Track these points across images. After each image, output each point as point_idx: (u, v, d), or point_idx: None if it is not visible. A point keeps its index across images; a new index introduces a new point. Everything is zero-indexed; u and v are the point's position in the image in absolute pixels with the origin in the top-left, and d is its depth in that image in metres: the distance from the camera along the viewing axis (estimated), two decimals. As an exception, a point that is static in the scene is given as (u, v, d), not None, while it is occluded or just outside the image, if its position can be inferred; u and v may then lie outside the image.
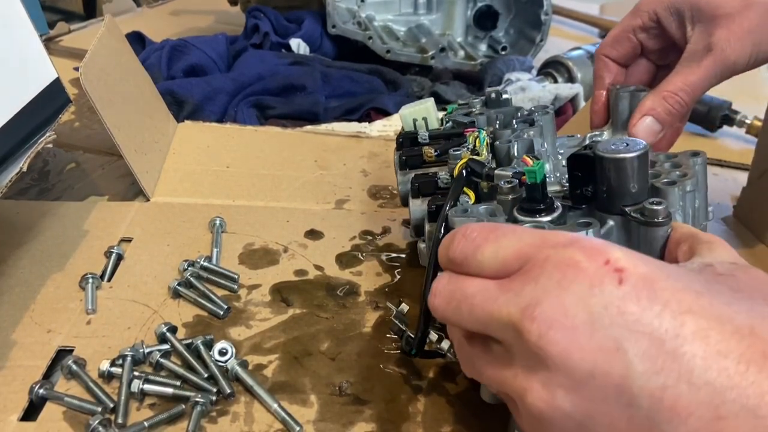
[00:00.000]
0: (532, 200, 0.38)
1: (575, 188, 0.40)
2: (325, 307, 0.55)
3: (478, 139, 0.48)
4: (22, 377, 0.46)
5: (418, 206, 0.50)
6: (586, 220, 0.37)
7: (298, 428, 0.43)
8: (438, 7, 1.13)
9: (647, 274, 0.28)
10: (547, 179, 0.40)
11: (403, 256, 0.62)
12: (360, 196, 0.72)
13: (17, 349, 0.48)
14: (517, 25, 1.14)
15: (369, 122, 0.89)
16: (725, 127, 0.91)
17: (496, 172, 0.42)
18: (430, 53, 1.07)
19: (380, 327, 0.53)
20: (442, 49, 1.08)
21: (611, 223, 0.39)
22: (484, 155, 0.47)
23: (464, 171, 0.45)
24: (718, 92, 0.96)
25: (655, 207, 0.37)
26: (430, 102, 0.59)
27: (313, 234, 0.64)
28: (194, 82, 0.91)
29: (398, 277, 0.59)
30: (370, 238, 0.65)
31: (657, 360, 0.27)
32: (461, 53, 1.12)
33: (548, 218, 0.38)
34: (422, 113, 0.59)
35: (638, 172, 0.38)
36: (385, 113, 0.92)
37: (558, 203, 0.39)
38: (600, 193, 0.39)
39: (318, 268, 0.60)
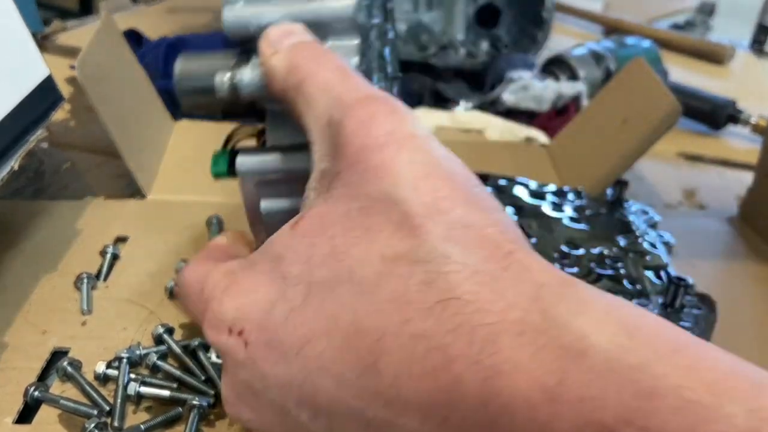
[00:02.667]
0: None
1: None
2: (326, 307, 0.54)
3: None
4: (16, 379, 0.45)
5: None
6: None
7: None
8: (439, 4, 1.12)
9: None
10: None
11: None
12: (360, 194, 0.71)
13: (11, 351, 0.47)
14: (519, 23, 1.13)
15: (369, 120, 0.88)
16: (730, 127, 0.90)
17: None
18: (431, 51, 1.06)
19: (382, 328, 0.52)
20: (443, 47, 1.07)
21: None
22: None
23: None
24: (722, 90, 0.96)
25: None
26: None
27: (313, 233, 0.63)
28: (192, 79, 0.90)
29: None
30: (371, 237, 0.63)
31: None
32: (462, 51, 1.11)
33: None
34: None
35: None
36: (385, 111, 0.91)
37: None
38: None
39: (318, 268, 0.59)
